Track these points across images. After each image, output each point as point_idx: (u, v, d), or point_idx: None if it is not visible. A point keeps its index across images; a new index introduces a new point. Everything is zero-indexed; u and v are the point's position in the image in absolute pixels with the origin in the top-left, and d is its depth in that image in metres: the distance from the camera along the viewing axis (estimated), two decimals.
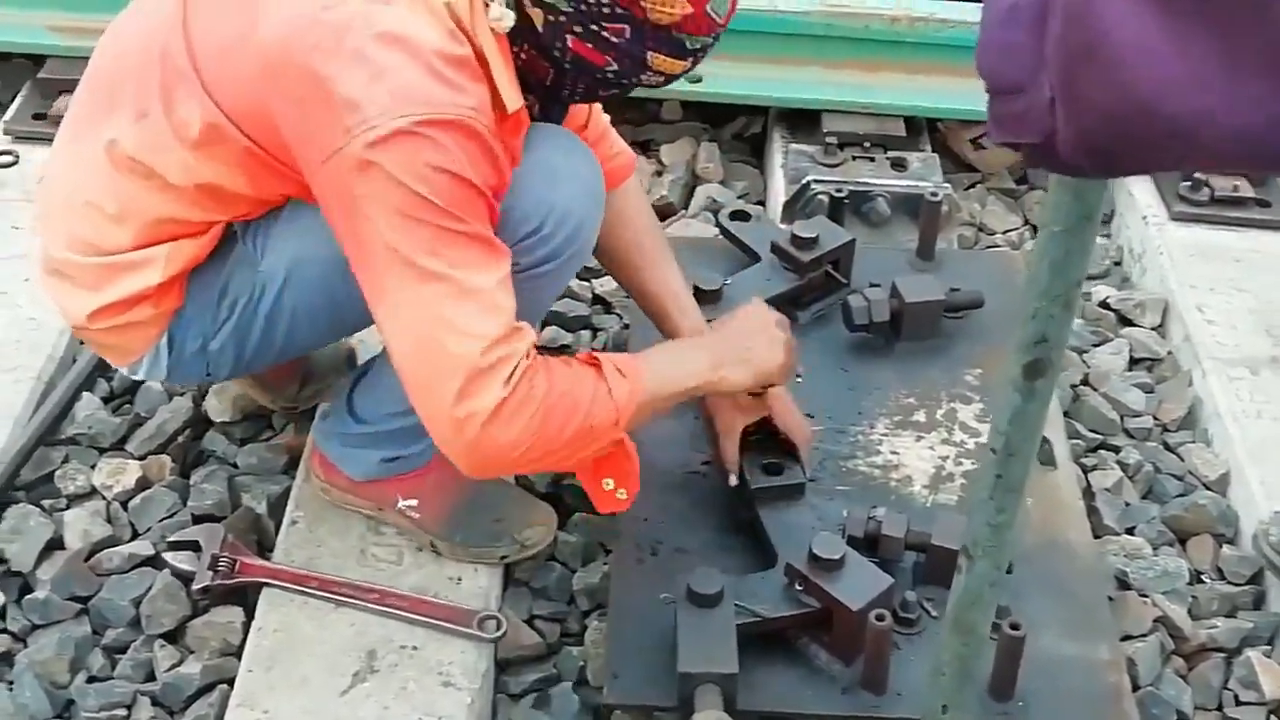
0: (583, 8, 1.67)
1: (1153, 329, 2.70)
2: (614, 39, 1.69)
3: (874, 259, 2.53)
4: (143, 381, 2.34)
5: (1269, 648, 2.13)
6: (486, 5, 1.68)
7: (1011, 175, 3.13)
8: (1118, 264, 2.92)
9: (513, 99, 1.73)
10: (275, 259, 1.85)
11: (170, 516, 2.15)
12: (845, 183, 2.71)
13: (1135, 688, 2.02)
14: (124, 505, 2.18)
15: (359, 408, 2.03)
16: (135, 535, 2.15)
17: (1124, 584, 2.18)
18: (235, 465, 2.25)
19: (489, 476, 1.94)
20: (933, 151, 2.98)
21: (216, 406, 2.30)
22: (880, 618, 1.81)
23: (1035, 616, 1.95)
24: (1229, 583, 2.23)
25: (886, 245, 2.68)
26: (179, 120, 1.75)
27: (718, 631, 1.83)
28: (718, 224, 2.61)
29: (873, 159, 2.86)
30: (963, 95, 2.97)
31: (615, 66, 1.72)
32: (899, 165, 2.84)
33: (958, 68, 2.94)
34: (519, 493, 2.15)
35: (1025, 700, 1.86)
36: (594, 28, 1.68)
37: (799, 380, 2.33)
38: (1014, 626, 1.81)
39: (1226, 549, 2.27)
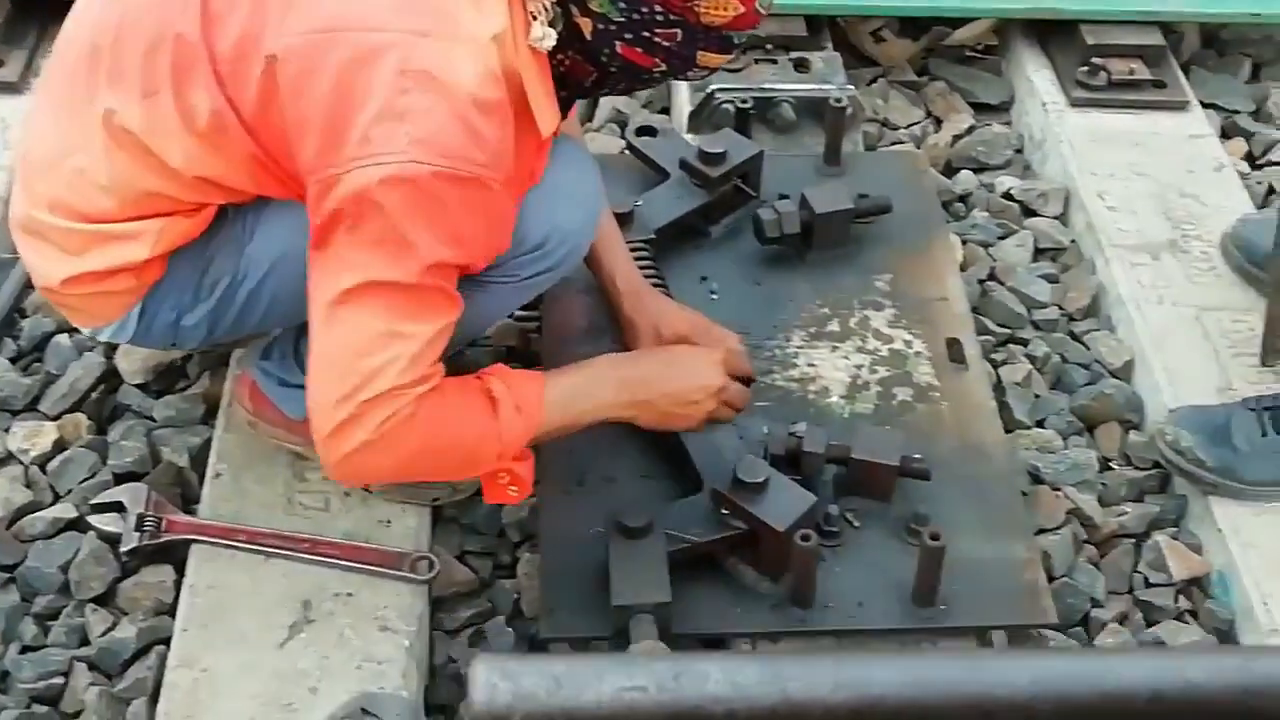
0: (635, 16, 1.65)
1: (1055, 218, 2.75)
2: (665, 43, 1.68)
3: (781, 167, 2.54)
4: (51, 336, 2.31)
5: (1175, 529, 2.22)
6: (528, 24, 1.65)
7: (912, 67, 3.13)
8: (1019, 152, 2.95)
9: (547, 123, 1.72)
10: (263, 246, 1.82)
11: (91, 477, 2.13)
12: (750, 90, 2.70)
13: (1051, 579, 2.10)
14: (42, 468, 2.15)
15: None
16: (57, 498, 2.13)
17: (1037, 479, 2.25)
18: (153, 418, 2.23)
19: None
20: (834, 49, 2.97)
21: (128, 369, 2.26)
22: (805, 537, 1.85)
23: (954, 520, 2.01)
24: (1136, 468, 2.31)
25: (793, 151, 2.68)
26: (188, 107, 1.69)
27: (649, 562, 1.87)
28: (625, 140, 2.59)
29: (775, 61, 2.83)
30: None
31: (664, 67, 1.72)
32: (802, 66, 2.83)
33: None
34: None
35: (947, 604, 1.92)
36: (645, 34, 1.67)
37: (714, 297, 2.35)
38: (934, 536, 1.86)
39: (1133, 435, 2.34)
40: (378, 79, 1.59)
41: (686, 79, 1.83)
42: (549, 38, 1.67)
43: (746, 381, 2.11)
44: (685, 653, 1.83)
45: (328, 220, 1.64)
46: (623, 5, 1.65)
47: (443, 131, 1.60)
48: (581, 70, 1.75)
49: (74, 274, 1.80)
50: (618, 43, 1.69)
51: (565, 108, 1.82)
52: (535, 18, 1.66)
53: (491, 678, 0.83)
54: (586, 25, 1.68)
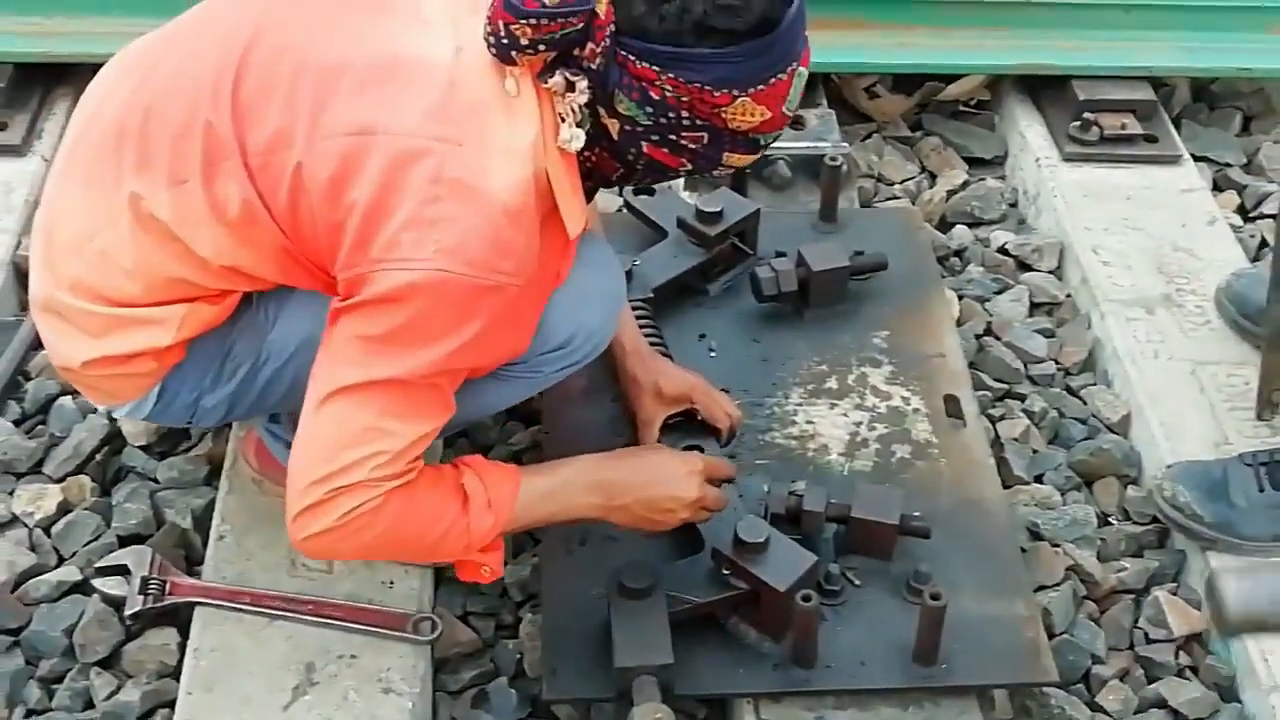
0: (662, 120, 1.66)
1: (1050, 272, 2.77)
2: (692, 145, 1.69)
3: (778, 224, 2.57)
4: (55, 398, 2.32)
5: (1175, 585, 2.23)
6: (557, 126, 1.67)
7: (906, 122, 3.17)
8: (1013, 206, 2.98)
9: (575, 224, 1.73)
10: (286, 333, 1.82)
11: (95, 539, 2.14)
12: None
13: (1051, 635, 2.11)
14: (46, 531, 2.16)
15: None
16: (61, 561, 2.14)
17: (1036, 535, 2.26)
18: (156, 480, 2.24)
19: None
20: (829, 106, 3.00)
21: (131, 430, 2.28)
22: (806, 598, 1.86)
23: (954, 578, 2.02)
24: (1134, 523, 2.32)
25: (789, 208, 2.71)
26: (218, 197, 1.69)
27: (651, 623, 1.88)
28: (623, 199, 2.62)
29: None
30: (854, 48, 3.02)
31: (689, 167, 1.74)
32: (797, 123, 2.86)
33: (847, 20, 2.99)
34: None
35: (948, 662, 1.93)
36: (672, 137, 1.68)
37: (712, 355, 2.37)
38: (934, 596, 1.87)
39: (1131, 490, 2.36)
40: (411, 185, 1.60)
41: (713, 177, 1.85)
42: (577, 139, 1.67)
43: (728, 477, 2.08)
44: None
45: (344, 309, 1.66)
46: (650, 110, 1.65)
47: (471, 241, 1.61)
48: (608, 166, 1.76)
49: (94, 357, 1.79)
50: (644, 143, 1.70)
51: (589, 196, 1.83)
52: (564, 119, 1.67)
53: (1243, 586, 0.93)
54: (614, 126, 1.69)
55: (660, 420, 2.14)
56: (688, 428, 2.16)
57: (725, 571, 1.93)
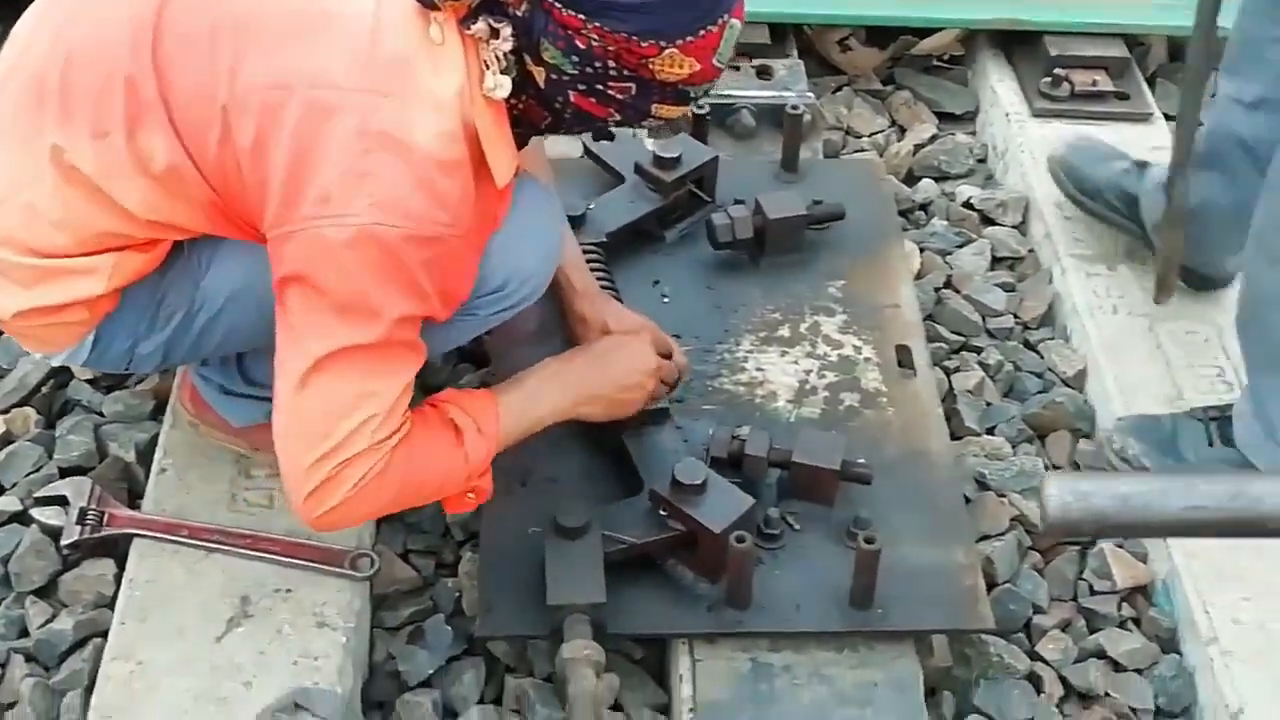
0: (588, 70, 1.64)
1: (1014, 227, 2.75)
2: (619, 96, 1.68)
3: (739, 172, 2.55)
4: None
5: (1122, 538, 2.23)
6: (483, 74, 1.65)
7: (878, 76, 3.15)
8: (982, 161, 2.96)
9: (503, 173, 1.71)
10: (219, 280, 1.80)
11: (36, 470, 2.14)
12: (709, 96, 2.70)
13: (993, 585, 2.10)
14: None
15: (251, 370, 2.00)
16: (1, 491, 2.13)
17: (983, 485, 2.25)
18: (101, 414, 2.24)
19: None
20: (799, 56, 2.98)
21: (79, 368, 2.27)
22: (741, 539, 1.86)
23: (895, 525, 2.02)
24: None
25: (752, 157, 2.69)
26: (141, 150, 1.66)
27: (585, 562, 1.87)
28: (583, 144, 2.60)
29: (738, 67, 2.84)
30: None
31: (618, 117, 1.72)
32: (764, 73, 2.84)
33: None
34: None
35: (884, 607, 1.93)
36: (599, 87, 1.66)
37: (665, 301, 2.36)
38: (869, 540, 1.87)
39: (1083, 444, 2.35)
40: (337, 139, 1.59)
41: (644, 128, 1.83)
42: (502, 87, 1.65)
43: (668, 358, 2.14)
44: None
45: (289, 278, 1.64)
46: (575, 59, 1.63)
47: (404, 193, 1.60)
48: (536, 114, 1.74)
49: (26, 308, 1.77)
50: (571, 92, 1.68)
51: (522, 143, 1.81)
52: (488, 66, 1.65)
53: (1065, 496, 0.98)
54: (540, 75, 1.67)
55: None
56: None
57: (662, 512, 1.93)
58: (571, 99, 1.69)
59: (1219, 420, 2.19)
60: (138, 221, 1.72)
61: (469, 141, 1.67)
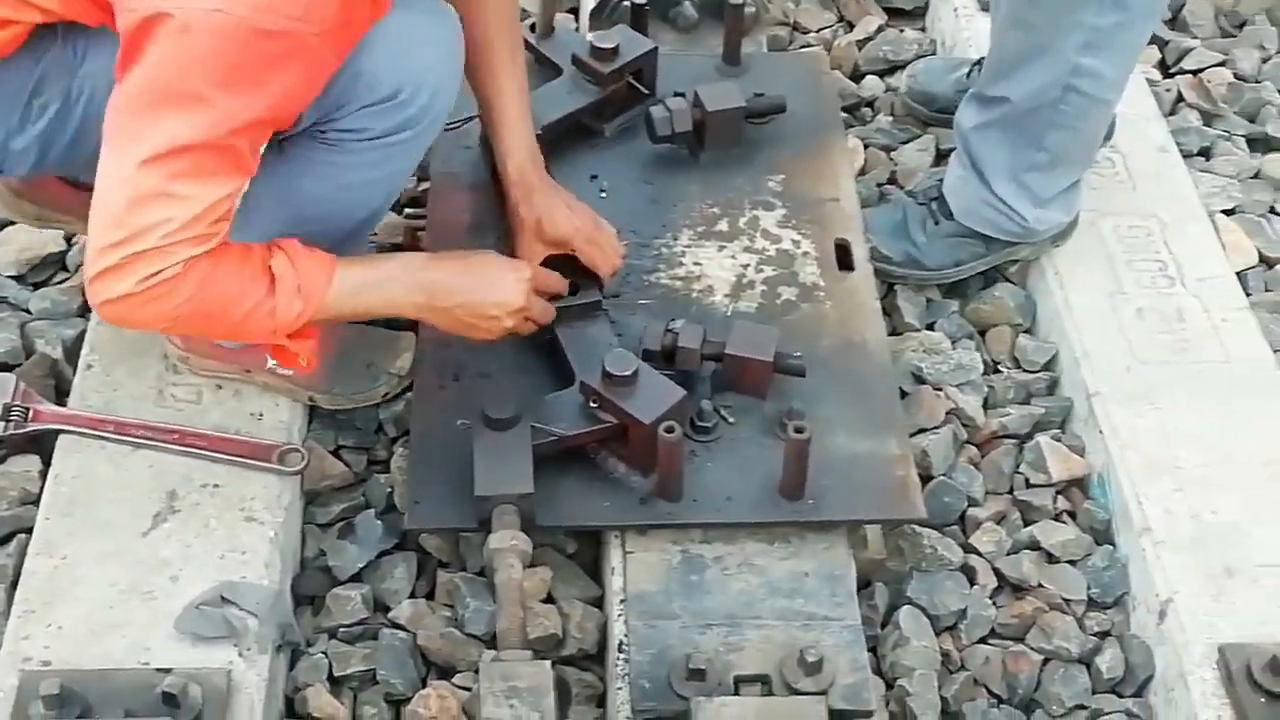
0: None
1: None
2: None
3: (680, 66, 2.51)
4: None
5: (1059, 431, 2.23)
6: None
7: None
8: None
9: None
10: (96, 70, 1.72)
11: None
12: None
13: (929, 478, 2.10)
14: None
15: None
16: None
17: (919, 379, 2.25)
18: (28, 310, 2.21)
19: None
20: None
21: (2, 260, 2.23)
22: (670, 430, 1.84)
23: (829, 417, 2.01)
24: (1024, 370, 2.31)
25: (694, 51, 2.64)
26: None
27: (513, 453, 1.86)
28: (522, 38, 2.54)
29: None
30: None
31: None
32: None
33: None
34: (379, 332, 2.14)
35: (815, 498, 1.92)
36: None
37: (603, 196, 2.33)
38: (798, 430, 1.86)
39: (1023, 338, 2.34)
40: None
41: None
42: None
43: (556, 298, 2.06)
44: None
45: (128, 46, 1.57)
46: None
47: None
48: None
49: None
50: None
51: None
52: None
53: None
54: None
55: (538, 260, 2.07)
56: (566, 264, 2.11)
57: (593, 405, 1.91)
58: None
59: (938, 200, 2.35)
60: None
61: None
